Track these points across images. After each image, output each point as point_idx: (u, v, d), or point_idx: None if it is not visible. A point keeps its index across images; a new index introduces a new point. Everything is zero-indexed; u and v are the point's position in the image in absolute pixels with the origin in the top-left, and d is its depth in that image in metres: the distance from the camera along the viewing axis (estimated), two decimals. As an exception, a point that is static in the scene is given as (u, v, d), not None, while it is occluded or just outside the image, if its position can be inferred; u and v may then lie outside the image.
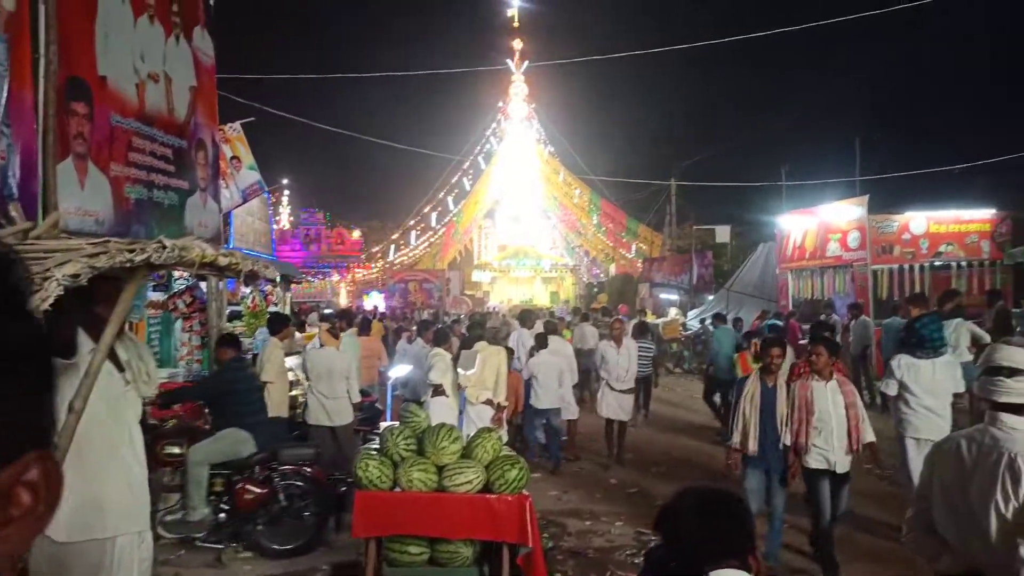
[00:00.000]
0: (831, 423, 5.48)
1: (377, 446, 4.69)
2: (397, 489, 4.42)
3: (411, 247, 46.70)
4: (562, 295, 43.52)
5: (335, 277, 40.72)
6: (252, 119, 9.18)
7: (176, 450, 5.79)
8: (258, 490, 5.67)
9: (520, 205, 47.20)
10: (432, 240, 47.39)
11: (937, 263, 14.58)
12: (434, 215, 47.16)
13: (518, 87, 47.64)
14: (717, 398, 11.06)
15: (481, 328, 7.87)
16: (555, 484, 8.67)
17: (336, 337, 7.72)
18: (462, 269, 47.11)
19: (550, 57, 45.96)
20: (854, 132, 18.52)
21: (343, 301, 38.03)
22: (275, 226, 43.91)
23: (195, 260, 2.47)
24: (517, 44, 45.07)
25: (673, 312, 20.98)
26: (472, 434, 4.85)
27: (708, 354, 12.78)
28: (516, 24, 44.67)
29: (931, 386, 6.00)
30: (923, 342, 6.09)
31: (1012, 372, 2.59)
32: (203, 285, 8.41)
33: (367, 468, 4.35)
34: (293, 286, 39.70)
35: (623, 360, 9.28)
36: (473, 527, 4.35)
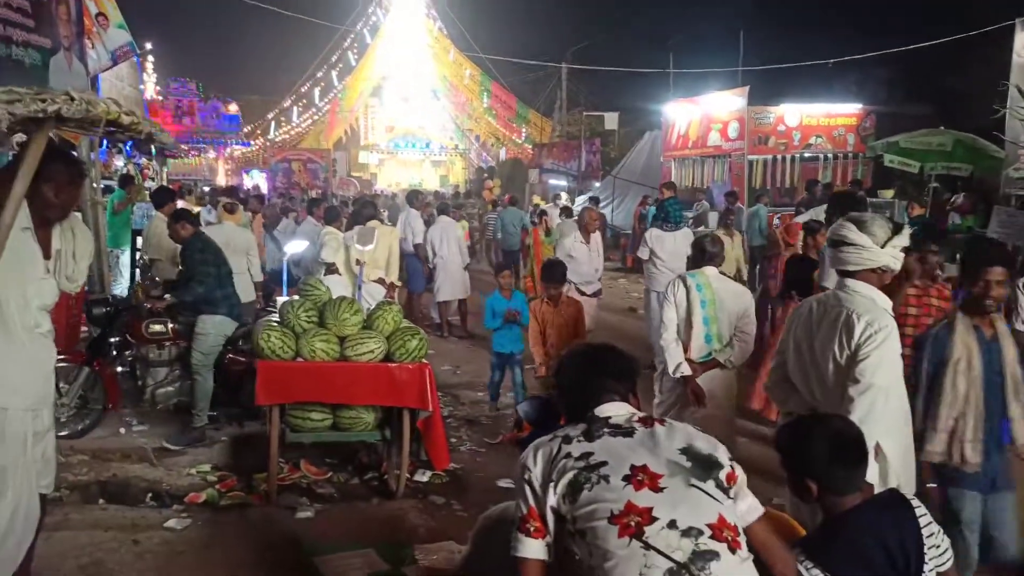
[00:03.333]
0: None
1: (277, 319, 4.73)
2: (300, 359, 4.52)
3: (294, 124, 44.56)
4: (452, 179, 43.20)
5: (211, 154, 38.51)
6: (116, -31, 8.34)
7: (159, 328, 5.67)
8: (245, 362, 5.64)
9: (408, 84, 45.67)
10: (316, 118, 45.33)
11: (807, 154, 15.49)
12: (317, 91, 44.90)
13: (406, -45, 45.04)
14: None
15: (373, 207, 7.84)
16: (448, 360, 9.01)
17: (232, 212, 7.49)
18: (348, 149, 45.61)
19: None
20: (738, 23, 18.87)
21: (221, 180, 36.26)
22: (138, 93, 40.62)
23: (101, 116, 2.37)
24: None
25: (564, 198, 21.38)
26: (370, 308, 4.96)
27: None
28: None
29: (673, 252, 7.48)
30: (668, 218, 7.92)
31: (850, 244, 3.02)
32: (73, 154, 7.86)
33: (269, 339, 4.41)
34: (170, 161, 37.43)
35: (595, 258, 8.25)
36: (375, 394, 4.54)
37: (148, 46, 41.94)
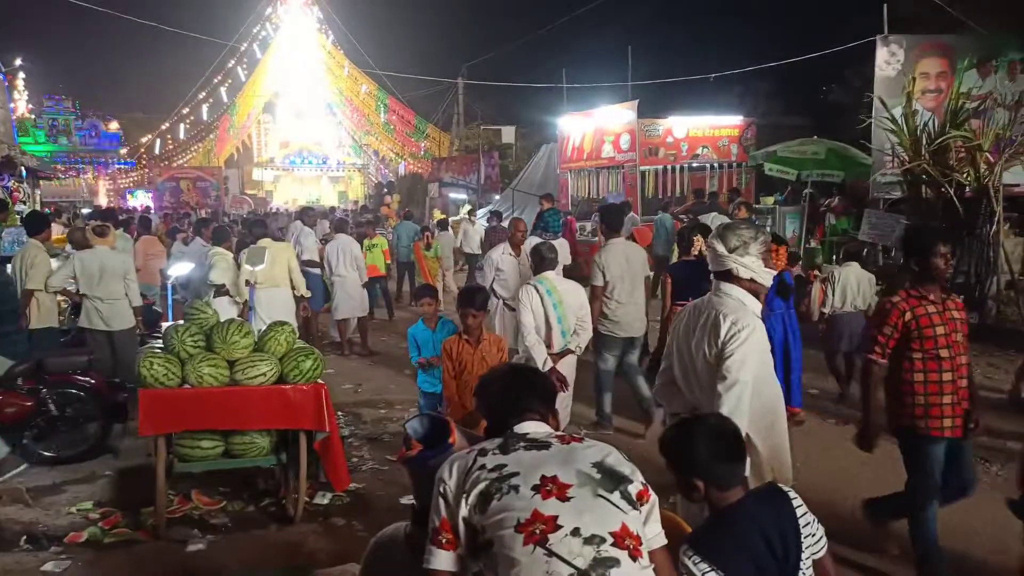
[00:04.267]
0: None
1: (161, 345, 4.51)
2: (186, 386, 4.33)
3: (181, 143, 42.82)
4: (351, 195, 42.60)
5: (90, 174, 36.51)
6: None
7: None
8: (21, 402, 5.26)
9: (302, 100, 44.77)
10: (205, 136, 43.75)
11: (695, 164, 16.14)
12: (205, 107, 43.37)
13: (296, -32, 44.21)
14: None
15: (263, 226, 7.63)
16: (348, 379, 8.84)
17: (103, 236, 7.10)
18: (241, 167, 44.25)
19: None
20: (627, 39, 19.54)
21: (103, 200, 34.42)
22: (12, 115, 38.13)
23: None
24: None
25: (464, 210, 21.46)
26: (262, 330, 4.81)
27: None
28: None
29: None
30: (548, 227, 9.29)
31: (711, 249, 3.25)
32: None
33: (151, 366, 4.20)
34: (43, 183, 35.22)
35: (524, 271, 7.22)
36: (269, 417, 4.40)
37: (18, 62, 39.52)
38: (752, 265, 3.12)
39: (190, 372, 4.25)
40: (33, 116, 37.03)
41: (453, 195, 25.57)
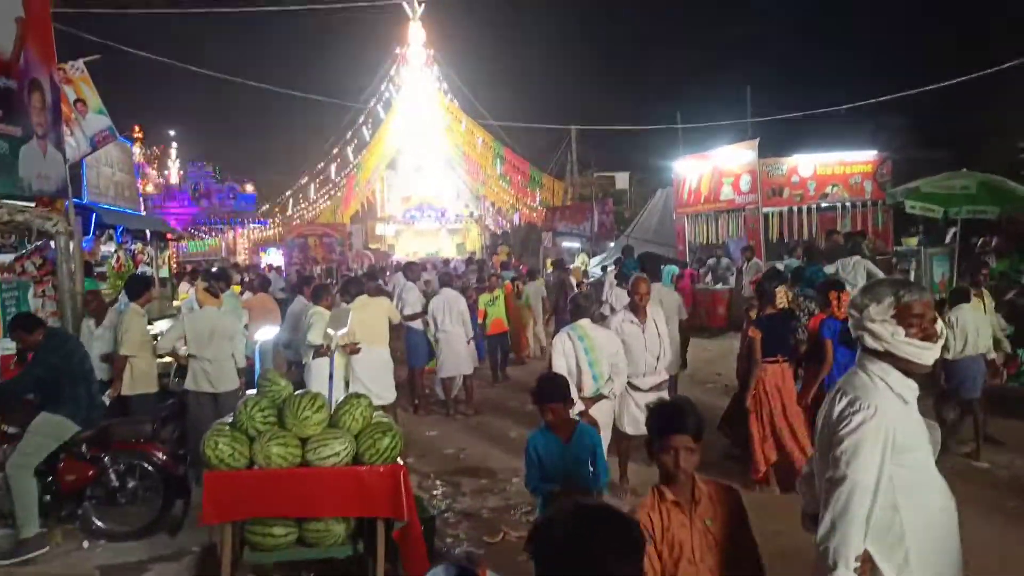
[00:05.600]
0: None
1: (230, 420, 4.20)
2: (256, 467, 3.98)
3: (311, 201, 45.06)
4: (468, 246, 43.17)
5: (230, 234, 38.91)
6: (98, 56, 8.16)
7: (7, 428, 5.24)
8: (82, 469, 5.12)
9: (423, 155, 46.23)
10: (332, 193, 45.86)
11: (824, 204, 14.96)
12: (333, 167, 45.53)
13: (416, 31, 46.15)
14: None
15: (359, 284, 7.39)
16: (451, 442, 8.43)
17: (215, 296, 7.06)
18: (365, 222, 45.90)
19: (448, 4, 44.42)
20: (745, 75, 18.72)
21: (240, 258, 36.47)
22: (161, 180, 41.46)
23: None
24: (414, -13, 43.37)
25: (580, 259, 21.04)
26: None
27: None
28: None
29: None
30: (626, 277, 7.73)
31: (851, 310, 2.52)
32: (52, 244, 7.55)
33: (216, 446, 3.88)
34: (182, 244, 37.78)
35: (652, 341, 6.08)
36: (341, 504, 3.98)
37: (171, 133, 43.18)
38: (883, 333, 2.35)
39: (258, 451, 3.91)
40: (180, 182, 40.10)
41: (566, 244, 25.17)
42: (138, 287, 7.25)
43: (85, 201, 9.11)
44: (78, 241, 7.51)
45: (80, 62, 7.76)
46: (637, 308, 6.08)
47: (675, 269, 12.69)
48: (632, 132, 23.61)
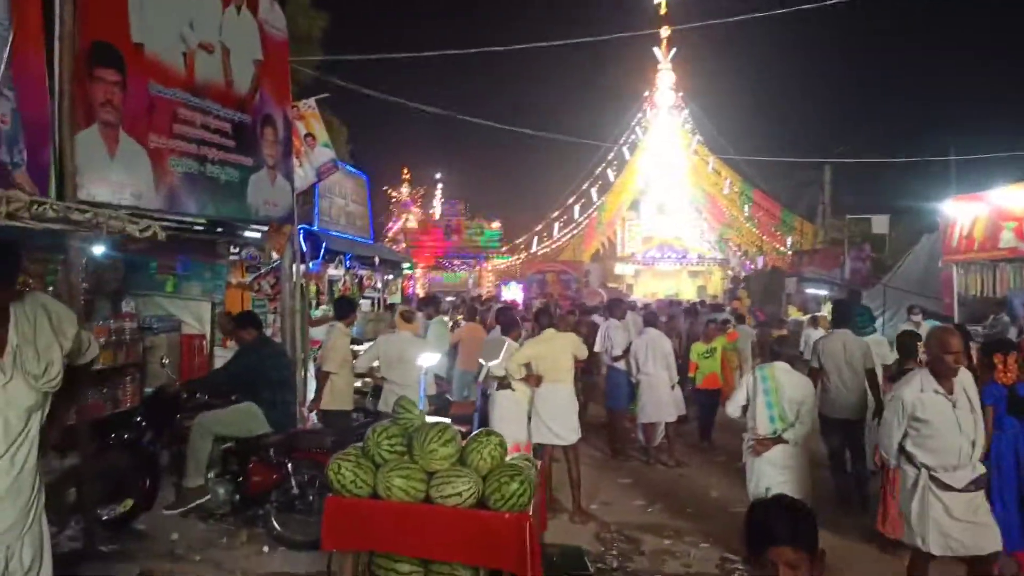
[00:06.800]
0: None
1: (360, 445, 4.04)
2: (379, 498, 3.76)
3: (554, 239, 46.36)
4: (710, 289, 41.62)
5: (475, 268, 41.19)
6: (327, 95, 8.88)
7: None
8: (268, 472, 5.30)
9: (666, 196, 45.66)
10: (575, 232, 46.83)
11: None
12: (577, 207, 46.56)
13: (665, 75, 46.01)
14: None
15: (549, 317, 7.07)
16: (643, 493, 7.77)
17: (408, 321, 7.21)
18: (604, 261, 46.20)
19: (698, 47, 43.84)
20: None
21: (484, 291, 38.36)
22: (424, 217, 45.11)
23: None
24: (664, 31, 43.41)
25: (826, 308, 19.03)
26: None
27: None
28: (664, 11, 43.05)
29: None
30: (857, 324, 7.65)
31: None
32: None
33: (339, 470, 3.72)
34: (435, 275, 40.52)
35: (966, 419, 4.30)
36: (461, 548, 3.62)
37: (437, 175, 47.28)
38: None
39: (380, 481, 3.69)
40: (435, 219, 43.37)
41: (811, 290, 23.04)
42: (345, 308, 7.61)
43: (316, 228, 9.91)
44: (298, 263, 8.05)
45: (312, 100, 8.47)
46: (944, 373, 4.29)
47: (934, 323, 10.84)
48: (894, 167, 21.11)
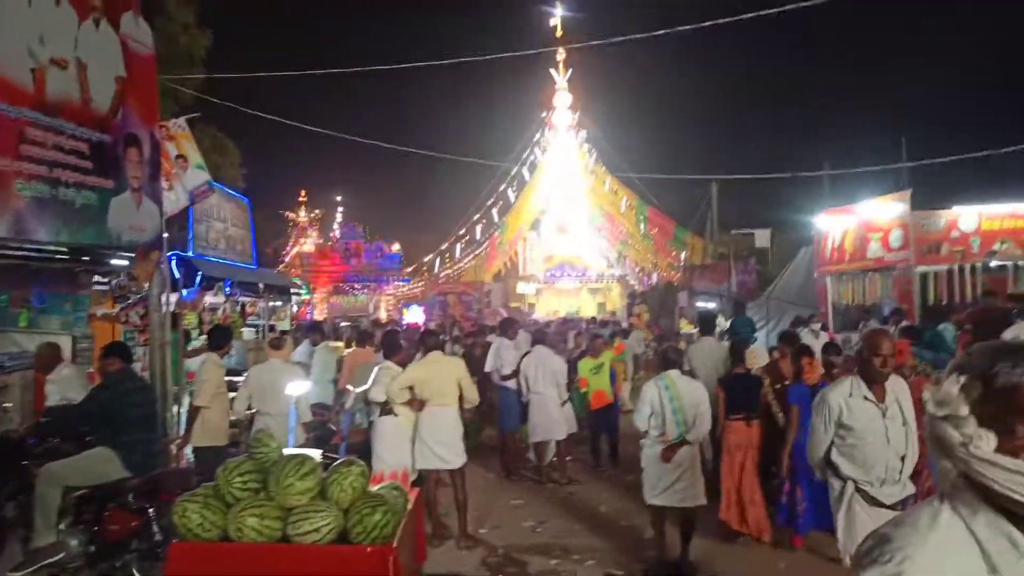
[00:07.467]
0: None
1: (211, 483, 3.80)
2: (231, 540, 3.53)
3: (456, 259, 46.27)
4: (609, 306, 42.48)
5: (375, 291, 40.59)
6: (197, 114, 8.52)
7: None
8: (127, 519, 4.90)
9: (566, 215, 46.41)
10: (477, 252, 46.90)
11: (992, 263, 13.05)
12: (478, 228, 46.66)
13: (562, 96, 46.92)
14: None
15: (435, 339, 6.95)
16: (533, 513, 7.73)
17: (277, 348, 6.94)
18: (506, 281, 46.42)
19: (594, 69, 45.01)
20: (898, 124, 17.13)
21: (383, 315, 37.77)
22: (321, 240, 44.11)
23: None
24: (560, 54, 44.38)
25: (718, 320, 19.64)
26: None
27: None
28: (559, 33, 43.99)
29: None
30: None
31: None
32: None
33: (184, 513, 3.47)
34: (336, 300, 39.50)
35: (896, 432, 4.10)
36: (323, 587, 3.44)
37: (338, 198, 46.34)
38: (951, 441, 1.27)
39: (231, 522, 3.46)
40: (334, 242, 42.50)
41: (701, 304, 23.86)
42: (219, 338, 7.24)
43: (191, 254, 9.43)
44: (167, 291, 7.62)
45: (182, 120, 8.10)
46: (873, 378, 4.04)
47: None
48: (774, 182, 22.23)
